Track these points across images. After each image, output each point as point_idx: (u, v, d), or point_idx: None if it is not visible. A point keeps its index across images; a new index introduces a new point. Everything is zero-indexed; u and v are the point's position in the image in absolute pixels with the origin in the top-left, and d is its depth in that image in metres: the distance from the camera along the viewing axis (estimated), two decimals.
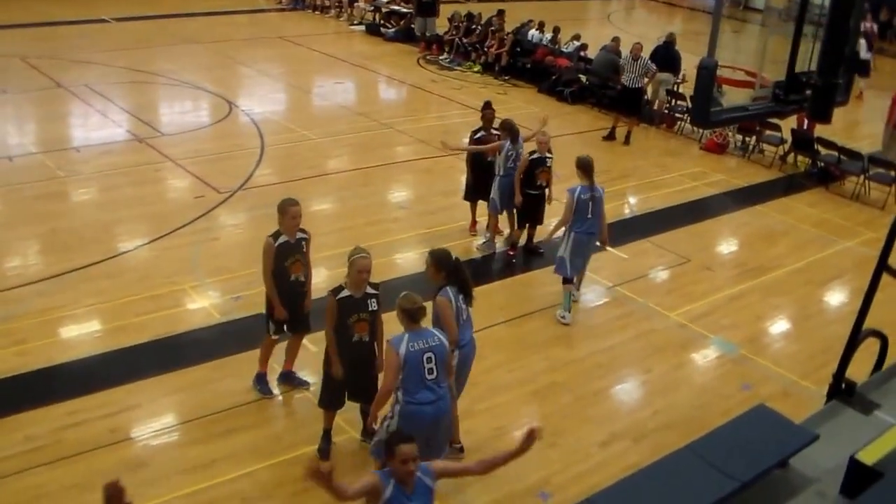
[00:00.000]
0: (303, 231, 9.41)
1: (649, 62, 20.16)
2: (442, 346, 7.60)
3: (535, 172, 13.12)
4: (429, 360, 7.49)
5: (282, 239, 9.23)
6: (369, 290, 8.43)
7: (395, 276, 12.43)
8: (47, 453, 8.61)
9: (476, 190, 14.04)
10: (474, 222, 14.39)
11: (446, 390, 7.72)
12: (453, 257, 8.71)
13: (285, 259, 9.28)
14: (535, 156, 13.14)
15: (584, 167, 11.85)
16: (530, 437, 5.96)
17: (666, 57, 21.35)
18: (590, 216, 11.64)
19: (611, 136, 20.24)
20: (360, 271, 8.30)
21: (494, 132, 13.82)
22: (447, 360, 7.70)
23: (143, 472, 8.48)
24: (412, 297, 7.66)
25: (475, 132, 13.98)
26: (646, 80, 20.23)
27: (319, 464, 5.72)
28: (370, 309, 8.41)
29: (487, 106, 14.13)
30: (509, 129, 13.37)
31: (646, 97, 21.44)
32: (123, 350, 10.49)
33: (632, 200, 16.92)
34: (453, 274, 8.58)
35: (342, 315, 8.33)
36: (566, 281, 11.86)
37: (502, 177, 13.36)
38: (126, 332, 10.82)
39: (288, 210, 9.19)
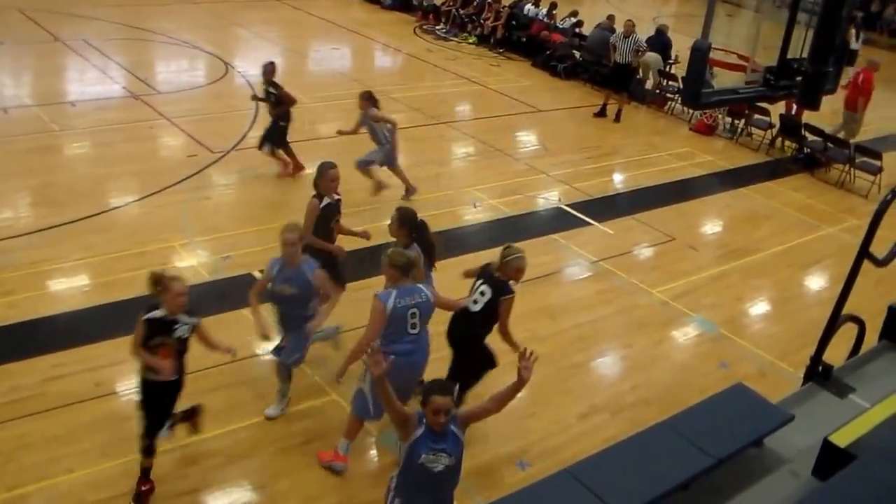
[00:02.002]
0: (338, 193, 9.78)
1: (641, 39, 20.20)
2: (427, 303, 7.83)
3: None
4: (413, 315, 7.73)
5: (325, 200, 9.55)
6: None
7: (382, 242, 12.46)
8: (31, 404, 8.65)
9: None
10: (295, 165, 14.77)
11: (424, 344, 8.01)
12: (419, 219, 8.90)
13: (329, 220, 9.67)
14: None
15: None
16: (525, 366, 6.25)
17: (657, 44, 21.59)
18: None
19: (602, 113, 20.31)
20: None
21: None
22: (431, 314, 7.95)
23: (126, 426, 8.44)
24: (401, 251, 8.00)
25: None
26: (634, 57, 20.20)
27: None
28: None
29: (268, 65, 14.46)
30: (370, 99, 13.53)
31: (638, 76, 21.55)
32: (110, 305, 10.52)
33: (619, 177, 17.01)
34: (416, 231, 8.79)
35: None
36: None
37: (384, 144, 13.73)
38: (114, 287, 10.84)
39: (326, 173, 9.50)
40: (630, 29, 19.97)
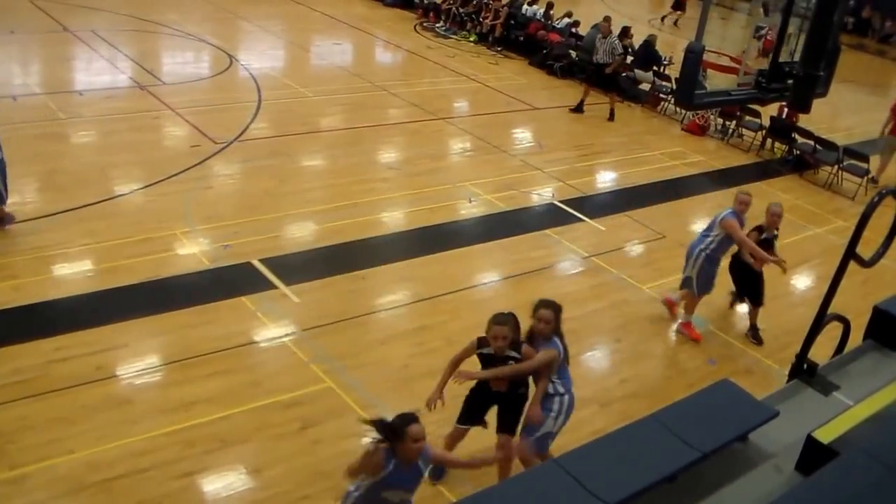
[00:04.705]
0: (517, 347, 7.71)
1: (616, 43, 20.26)
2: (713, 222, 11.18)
3: None
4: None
5: (486, 349, 7.67)
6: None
7: (379, 234, 12.73)
8: (34, 386, 8.75)
9: None
10: None
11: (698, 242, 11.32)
12: None
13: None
14: None
15: None
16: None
17: (645, 56, 21.74)
18: None
19: (578, 109, 20.42)
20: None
21: None
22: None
23: (126, 409, 8.68)
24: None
25: None
26: (610, 59, 20.07)
27: None
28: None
29: None
30: None
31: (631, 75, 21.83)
32: (112, 290, 10.65)
33: (612, 175, 17.15)
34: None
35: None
36: None
37: None
38: (116, 273, 10.97)
39: (490, 328, 7.56)
40: (606, 30, 20.04)
